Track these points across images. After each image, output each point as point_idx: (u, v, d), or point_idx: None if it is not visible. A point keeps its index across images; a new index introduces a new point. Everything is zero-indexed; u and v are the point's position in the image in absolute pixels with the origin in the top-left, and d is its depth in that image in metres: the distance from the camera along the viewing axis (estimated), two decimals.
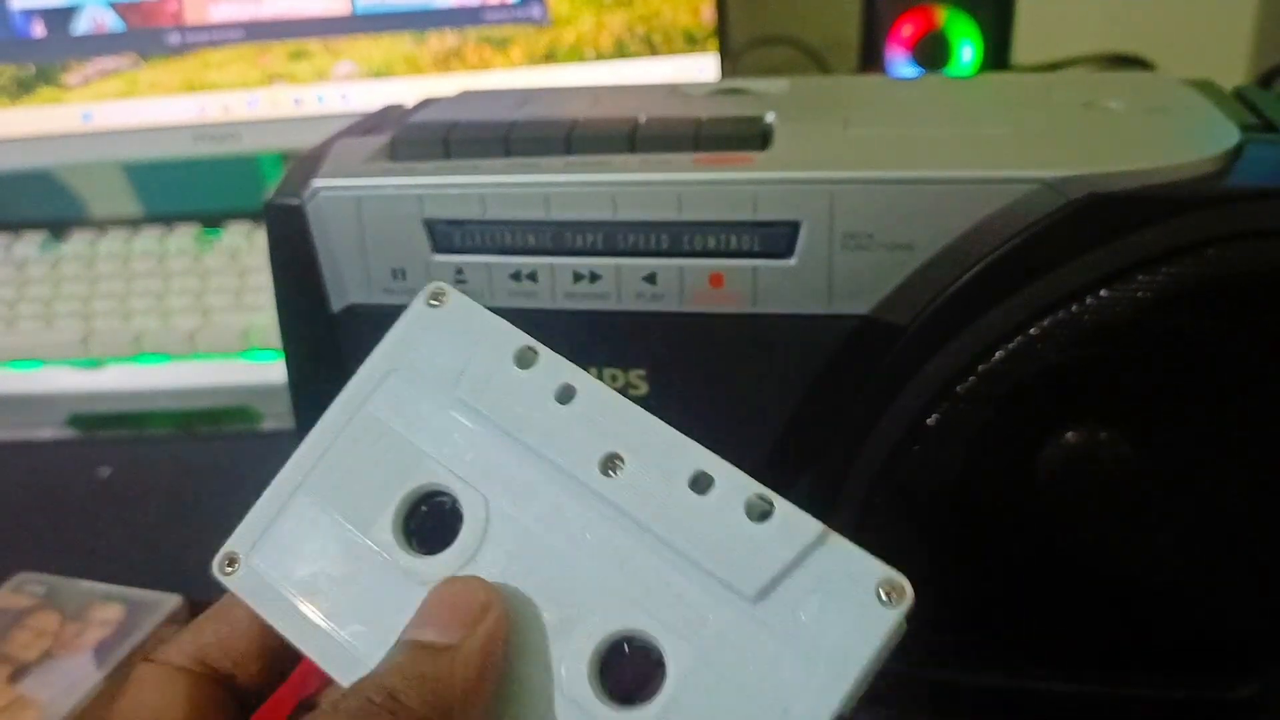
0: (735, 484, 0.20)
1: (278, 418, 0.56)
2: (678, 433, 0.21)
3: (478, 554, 0.21)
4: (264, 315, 0.58)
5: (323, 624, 0.21)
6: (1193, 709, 0.34)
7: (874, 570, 0.19)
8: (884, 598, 0.19)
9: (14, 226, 0.67)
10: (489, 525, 0.21)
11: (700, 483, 0.20)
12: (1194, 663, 0.33)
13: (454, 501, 0.22)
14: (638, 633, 0.20)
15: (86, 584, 0.43)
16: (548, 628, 0.20)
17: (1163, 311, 0.28)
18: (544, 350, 0.22)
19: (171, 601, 0.41)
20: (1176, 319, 0.28)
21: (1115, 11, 0.74)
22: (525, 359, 0.22)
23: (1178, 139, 0.29)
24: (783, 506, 0.19)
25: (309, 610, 0.22)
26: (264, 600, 0.22)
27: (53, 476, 0.54)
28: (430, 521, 0.22)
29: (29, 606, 0.42)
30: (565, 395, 0.21)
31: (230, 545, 0.23)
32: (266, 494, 0.23)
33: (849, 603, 0.18)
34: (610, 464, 0.21)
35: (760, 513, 0.19)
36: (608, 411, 0.21)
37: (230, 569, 0.22)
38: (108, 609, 0.41)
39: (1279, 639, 0.33)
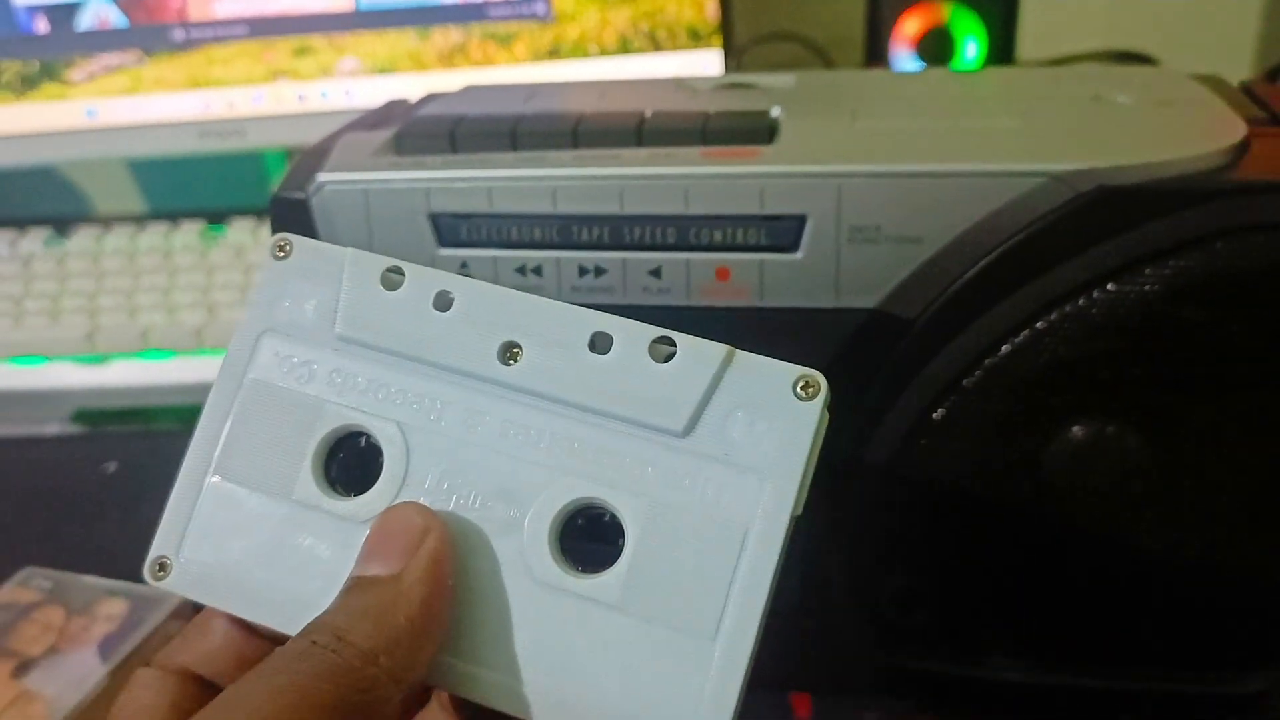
0: (633, 334, 0.20)
1: None
2: (563, 304, 0.21)
3: (406, 479, 0.21)
4: None
5: (275, 594, 0.21)
6: (1200, 703, 0.34)
7: (786, 372, 0.19)
8: (802, 393, 0.19)
9: (19, 223, 0.67)
10: (409, 449, 0.21)
11: (599, 343, 0.20)
12: (1201, 657, 0.33)
13: (367, 437, 0.22)
14: (587, 501, 0.20)
15: (91, 579, 0.43)
16: (500, 525, 0.20)
17: (1171, 305, 0.28)
18: (407, 265, 0.21)
19: (176, 597, 0.41)
20: (1184, 312, 0.28)
21: (1120, 8, 0.74)
22: (391, 280, 0.22)
23: (1185, 132, 0.29)
24: (684, 340, 0.20)
25: (255, 585, 0.21)
26: (207, 591, 0.22)
27: (58, 472, 0.54)
28: (350, 463, 0.22)
29: (35, 601, 0.42)
30: (443, 302, 0.21)
31: (155, 551, 0.22)
32: (176, 489, 0.23)
33: (772, 408, 0.19)
34: (509, 353, 0.21)
35: (665, 355, 0.20)
36: (489, 304, 0.21)
37: (162, 573, 0.22)
38: (112, 604, 0.41)
39: None
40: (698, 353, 0.20)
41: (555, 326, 0.20)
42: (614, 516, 0.20)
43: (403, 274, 0.21)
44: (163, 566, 0.22)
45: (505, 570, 0.20)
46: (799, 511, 0.19)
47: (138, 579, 0.42)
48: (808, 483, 0.19)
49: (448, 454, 0.21)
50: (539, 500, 0.20)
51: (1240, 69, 0.74)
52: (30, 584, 0.43)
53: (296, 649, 0.19)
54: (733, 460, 0.19)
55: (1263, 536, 0.31)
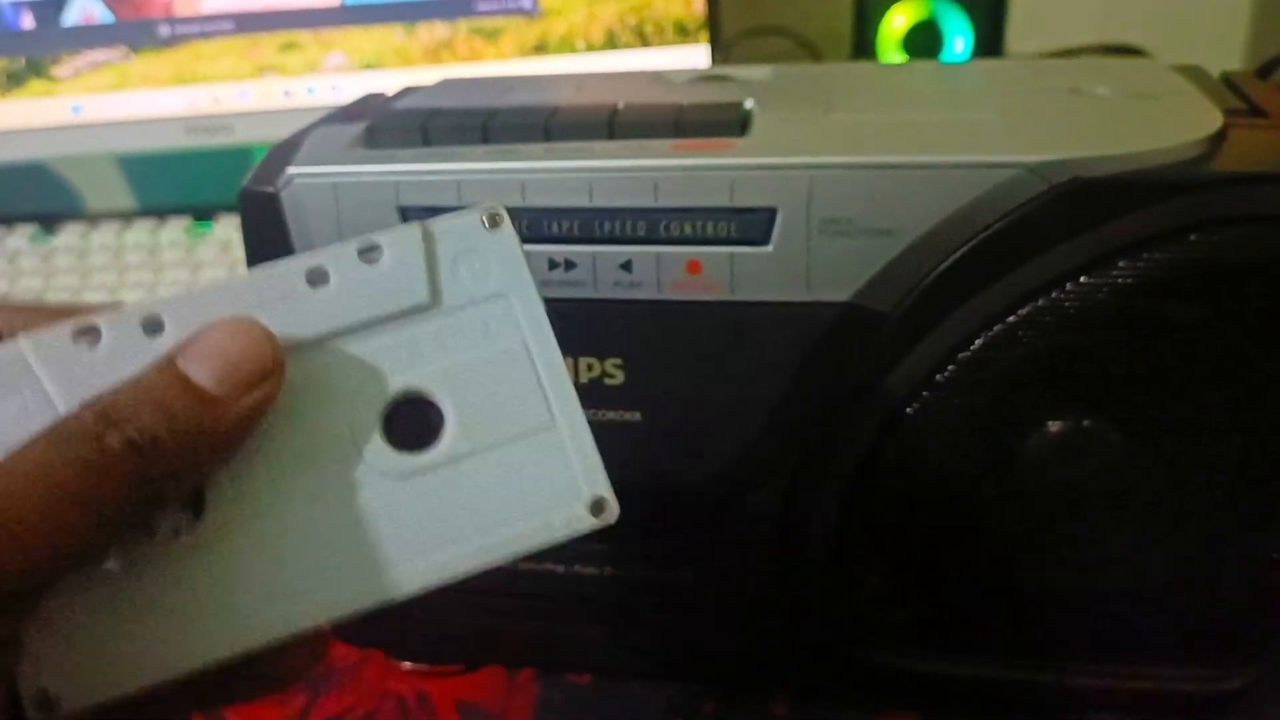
0: (341, 255, 0.21)
1: None
2: (260, 271, 0.21)
3: None
4: None
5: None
6: (1186, 699, 0.33)
7: (472, 215, 0.22)
8: (490, 224, 0.22)
9: (9, 219, 0.67)
10: None
11: (318, 279, 0.21)
12: (1186, 652, 0.33)
13: None
14: (397, 394, 0.22)
15: None
16: (335, 449, 0.21)
17: (1145, 297, 0.27)
18: (102, 320, 0.20)
19: None
20: (1159, 305, 0.28)
21: (1110, 1, 0.73)
22: (92, 340, 0.20)
23: (1162, 124, 0.29)
24: (383, 236, 0.21)
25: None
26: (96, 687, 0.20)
27: None
28: None
29: None
30: (153, 327, 0.20)
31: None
32: None
33: (479, 246, 0.22)
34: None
35: (372, 256, 0.21)
36: (200, 310, 0.20)
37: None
38: None
39: (1271, 627, 0.33)
40: (400, 237, 0.22)
41: (273, 286, 0.21)
42: (424, 396, 0.22)
43: (99, 331, 0.20)
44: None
45: (331, 443, 0.21)
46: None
47: None
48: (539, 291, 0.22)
49: None
50: (356, 414, 0.21)
51: (1231, 62, 0.73)
52: None
53: (66, 427, 0.18)
54: (478, 299, 0.22)
55: (1245, 528, 0.31)
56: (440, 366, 0.22)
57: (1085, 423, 0.30)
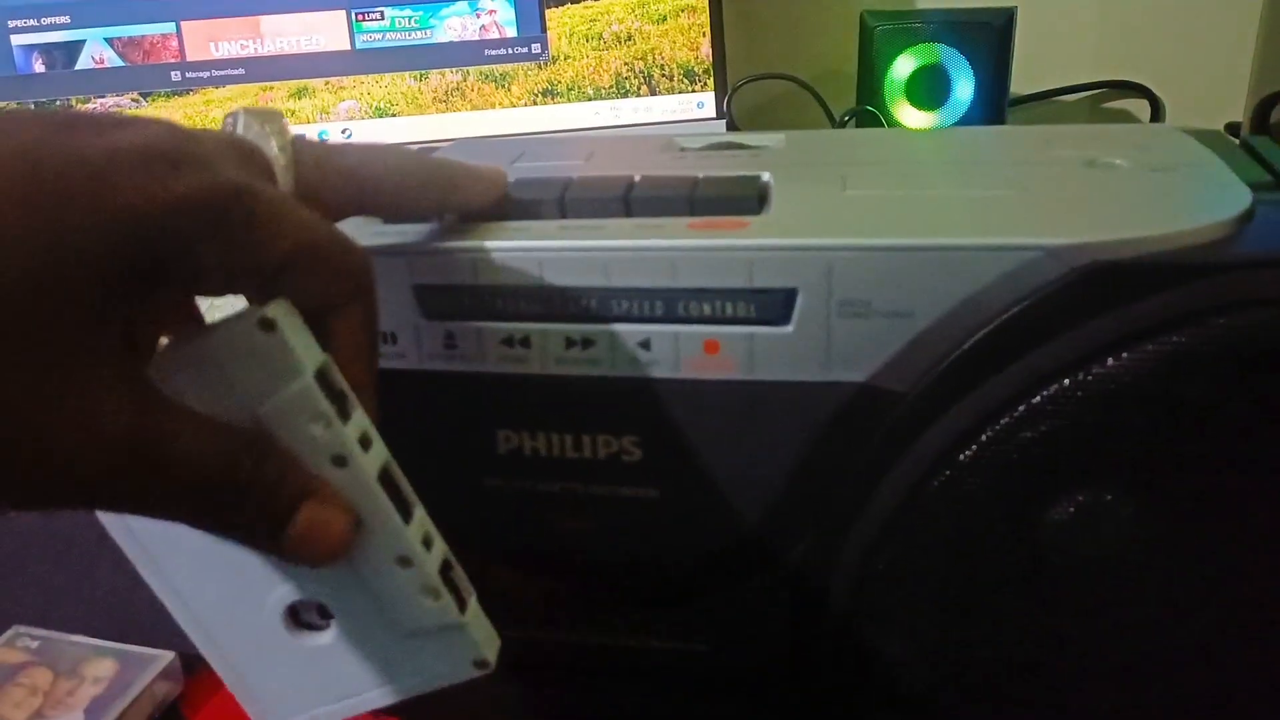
0: None
1: None
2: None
3: None
4: None
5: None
6: None
7: (247, 324, 0.22)
8: (264, 330, 0.22)
9: None
10: None
11: None
12: None
13: None
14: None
15: (79, 639, 0.42)
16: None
17: (1168, 380, 0.27)
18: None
19: (165, 657, 0.41)
20: (1182, 387, 0.27)
21: (1111, 39, 0.73)
22: None
23: (1185, 202, 0.29)
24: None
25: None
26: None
27: (55, 522, 0.53)
28: None
29: (21, 663, 0.41)
30: None
31: None
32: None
33: (254, 358, 0.22)
34: None
35: None
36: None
37: None
38: (100, 665, 0.41)
39: None
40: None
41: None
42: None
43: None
44: None
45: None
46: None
47: (126, 637, 0.42)
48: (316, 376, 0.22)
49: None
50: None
51: (1234, 99, 0.73)
52: (17, 644, 0.42)
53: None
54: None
55: (1263, 609, 0.30)
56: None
57: (1106, 500, 0.30)
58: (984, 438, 0.28)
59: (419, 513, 0.24)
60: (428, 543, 0.24)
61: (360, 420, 0.23)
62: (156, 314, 0.24)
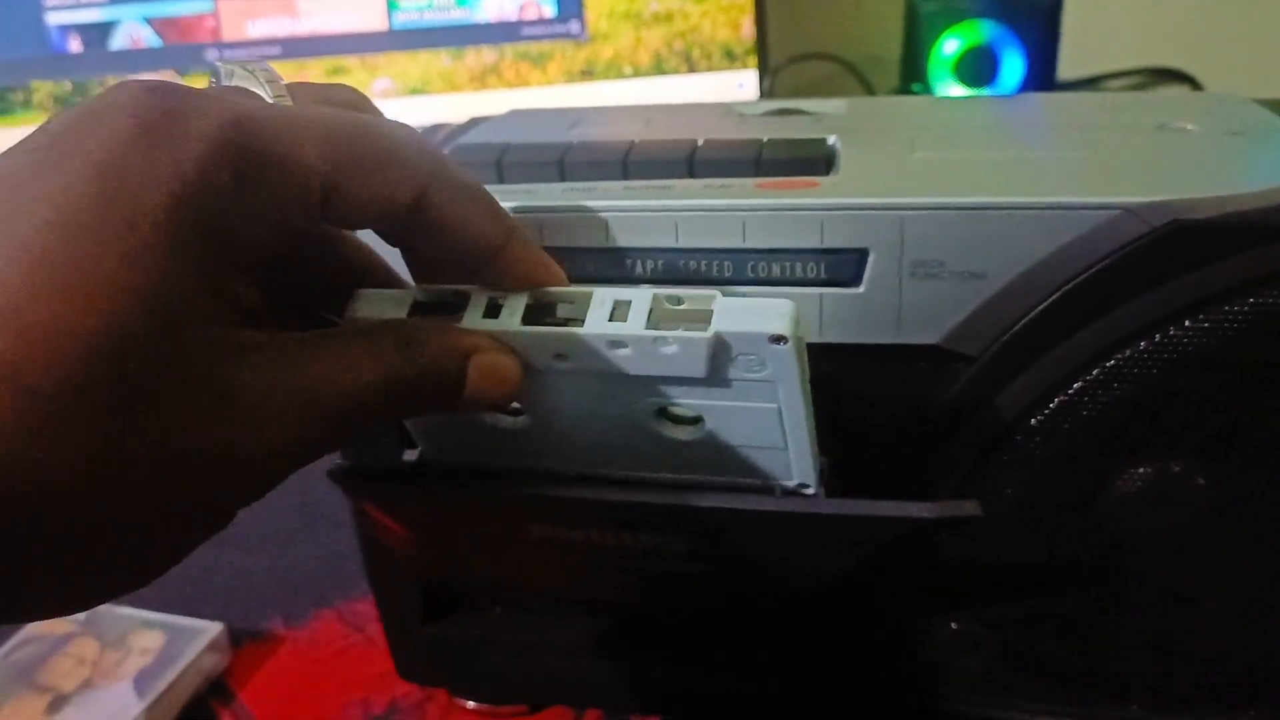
0: (641, 335, 0.24)
1: None
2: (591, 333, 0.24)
3: None
4: None
5: None
6: None
7: (760, 330, 0.23)
8: (775, 342, 0.23)
9: None
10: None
11: (616, 344, 0.24)
12: (1262, 698, 0.32)
13: None
14: (669, 404, 0.26)
15: (126, 610, 0.42)
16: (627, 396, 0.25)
17: (1249, 342, 0.27)
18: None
19: (213, 629, 0.41)
20: (1263, 350, 0.27)
21: (1158, 26, 0.73)
22: None
23: (1261, 164, 0.28)
24: (675, 334, 0.23)
25: None
26: None
27: None
28: None
29: (68, 633, 0.41)
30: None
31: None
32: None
33: (759, 351, 0.23)
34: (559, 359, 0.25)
35: (662, 342, 0.24)
36: (537, 347, 0.24)
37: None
38: (148, 636, 0.41)
39: None
40: (689, 341, 0.23)
41: (589, 343, 0.24)
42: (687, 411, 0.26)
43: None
44: None
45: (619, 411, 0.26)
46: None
47: (173, 608, 0.42)
48: (806, 373, 0.24)
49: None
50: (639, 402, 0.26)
51: (1277, 87, 0.72)
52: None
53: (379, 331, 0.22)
54: (748, 380, 0.24)
55: None
56: (705, 400, 0.25)
57: (1176, 468, 0.29)
58: (1057, 401, 0.28)
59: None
60: None
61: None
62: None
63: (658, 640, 0.35)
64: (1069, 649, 0.33)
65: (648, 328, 0.23)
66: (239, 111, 0.20)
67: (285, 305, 0.24)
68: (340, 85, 0.26)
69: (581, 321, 0.24)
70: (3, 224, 0.17)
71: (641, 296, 0.24)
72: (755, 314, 0.23)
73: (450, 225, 0.23)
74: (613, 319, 0.24)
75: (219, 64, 0.24)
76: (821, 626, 0.34)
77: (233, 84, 0.23)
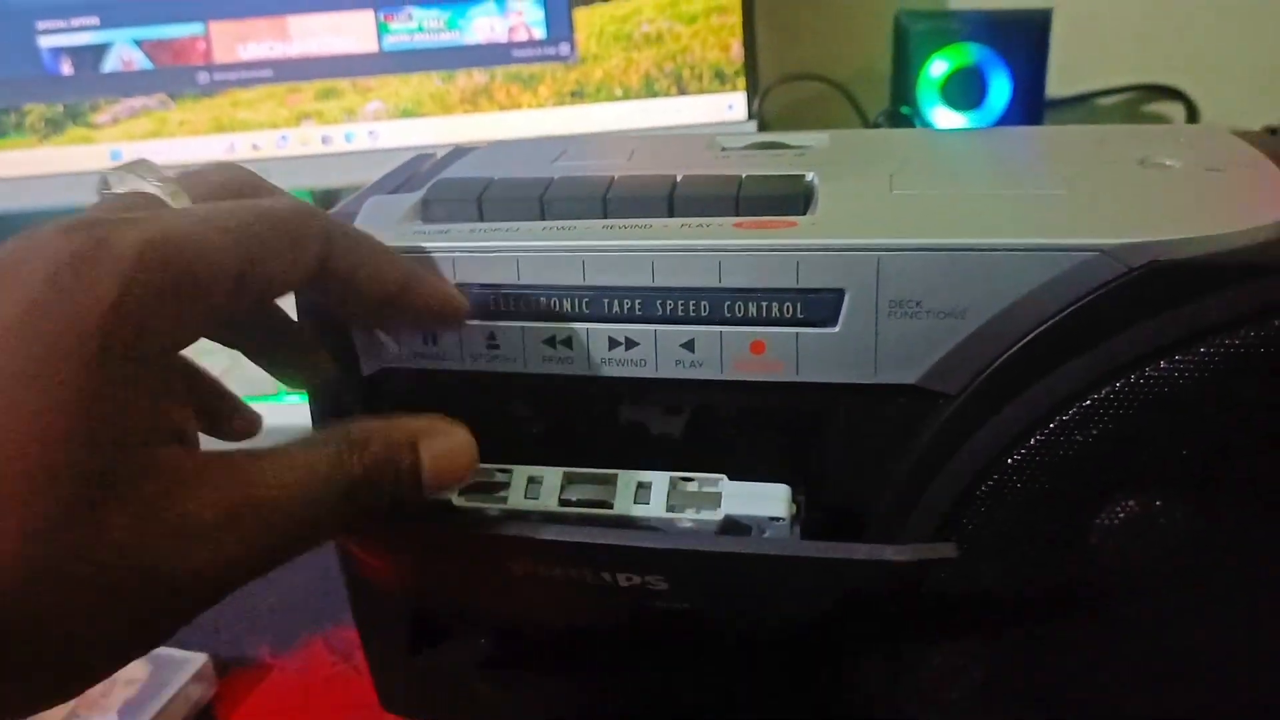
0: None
1: None
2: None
3: None
4: None
5: None
6: None
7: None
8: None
9: None
10: None
11: (640, 495, 0.28)
12: None
13: None
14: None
15: None
16: None
17: (1226, 382, 0.27)
18: None
19: (198, 660, 0.41)
20: (1240, 389, 0.27)
21: (1148, 42, 0.73)
22: None
23: (1240, 201, 0.28)
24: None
25: None
26: None
27: None
28: None
29: None
30: None
31: None
32: None
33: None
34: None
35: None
36: None
37: None
38: (133, 667, 0.41)
39: None
40: (705, 523, 0.28)
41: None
42: None
43: None
44: None
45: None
46: None
47: None
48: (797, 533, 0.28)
49: None
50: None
51: (1270, 103, 0.72)
52: None
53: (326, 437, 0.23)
54: None
55: None
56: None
57: (1158, 504, 0.29)
58: (1035, 439, 0.28)
59: None
60: None
61: None
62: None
63: (647, 672, 0.35)
64: (1052, 681, 0.32)
65: (667, 511, 0.27)
66: (150, 236, 0.20)
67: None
68: (228, 164, 0.28)
69: (610, 504, 0.28)
70: None
71: (660, 480, 0.28)
72: (757, 499, 0.27)
73: (353, 278, 0.25)
74: (636, 501, 0.28)
75: (106, 173, 0.25)
76: (804, 660, 0.34)
77: (124, 189, 0.24)
